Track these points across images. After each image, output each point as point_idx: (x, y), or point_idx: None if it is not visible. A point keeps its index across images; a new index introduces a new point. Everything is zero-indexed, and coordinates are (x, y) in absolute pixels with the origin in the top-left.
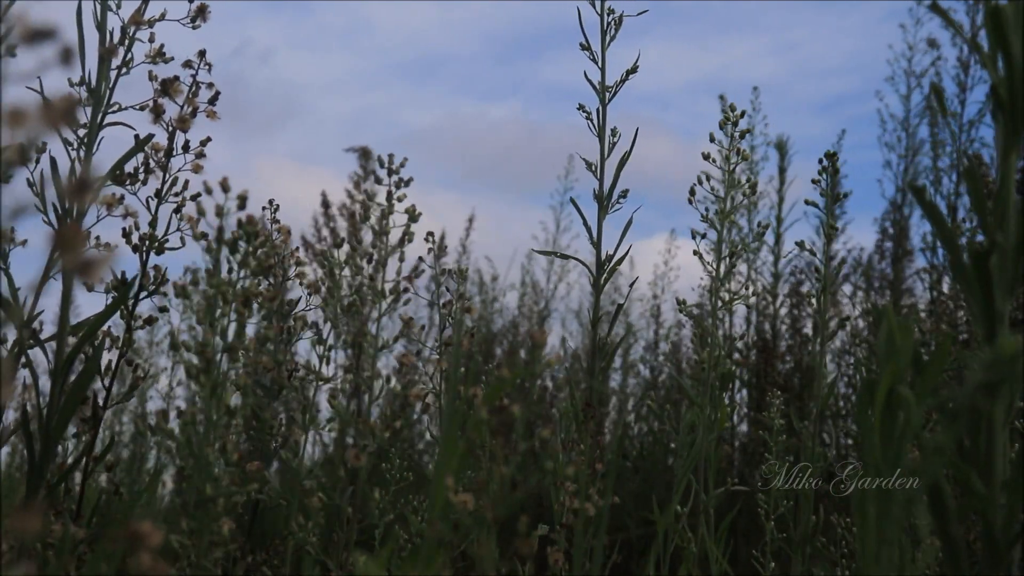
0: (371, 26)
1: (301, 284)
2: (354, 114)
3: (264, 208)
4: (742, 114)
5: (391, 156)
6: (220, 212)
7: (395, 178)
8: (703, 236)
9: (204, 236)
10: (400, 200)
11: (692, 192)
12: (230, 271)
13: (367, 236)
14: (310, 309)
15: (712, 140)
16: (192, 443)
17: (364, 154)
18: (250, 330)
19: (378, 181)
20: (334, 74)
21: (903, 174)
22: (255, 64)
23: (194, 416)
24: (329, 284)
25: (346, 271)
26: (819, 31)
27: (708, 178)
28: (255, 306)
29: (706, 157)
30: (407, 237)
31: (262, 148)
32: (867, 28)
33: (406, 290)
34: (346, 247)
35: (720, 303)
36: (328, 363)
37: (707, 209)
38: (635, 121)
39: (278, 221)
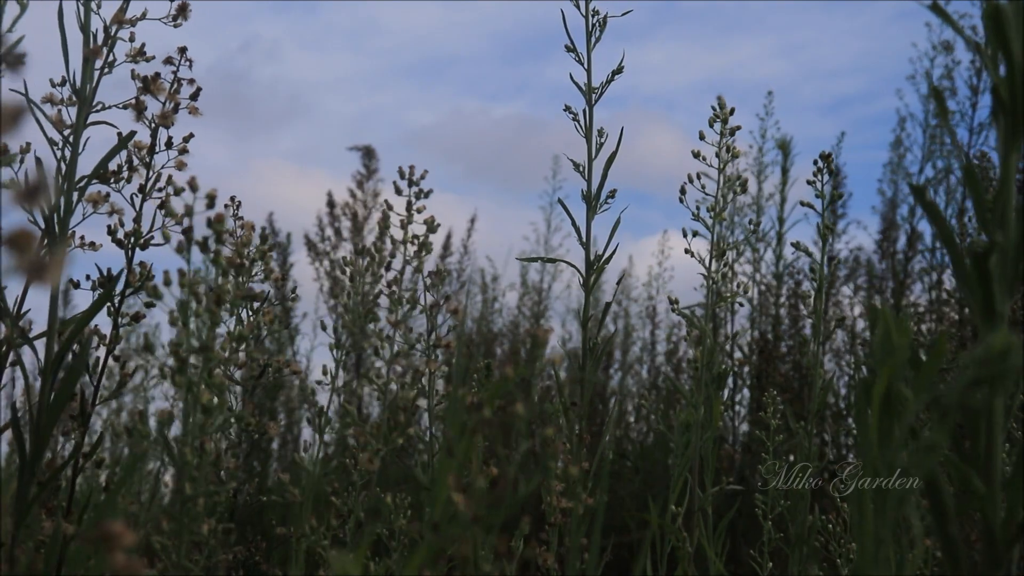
0: (377, 26)
1: (268, 279)
2: (359, 114)
3: (227, 205)
4: (731, 111)
5: (412, 167)
6: (189, 212)
7: (415, 189)
8: (695, 234)
9: (187, 235)
10: (420, 211)
11: (683, 191)
12: (196, 271)
13: (387, 245)
14: (287, 302)
15: (702, 138)
16: (169, 443)
17: (367, 153)
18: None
19: (398, 192)
20: (339, 74)
21: (919, 174)
22: (260, 62)
23: (170, 416)
24: (349, 290)
25: (367, 276)
26: (826, 32)
27: (700, 176)
28: (227, 304)
29: (696, 155)
30: (425, 249)
31: (265, 147)
32: (874, 29)
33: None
34: (362, 256)
35: (715, 300)
36: (343, 367)
37: (698, 207)
38: (641, 121)
39: (241, 218)
